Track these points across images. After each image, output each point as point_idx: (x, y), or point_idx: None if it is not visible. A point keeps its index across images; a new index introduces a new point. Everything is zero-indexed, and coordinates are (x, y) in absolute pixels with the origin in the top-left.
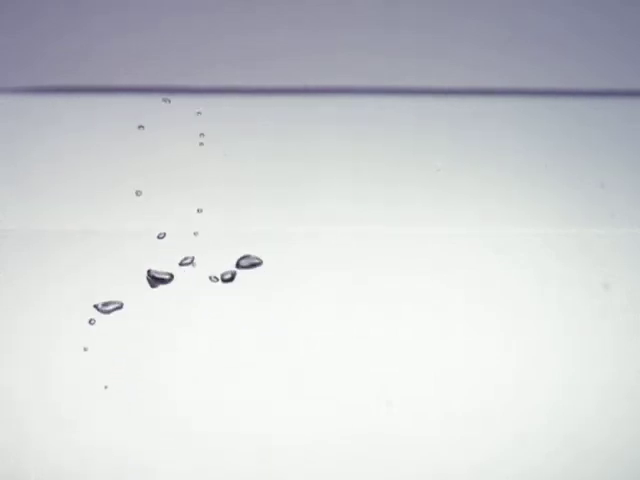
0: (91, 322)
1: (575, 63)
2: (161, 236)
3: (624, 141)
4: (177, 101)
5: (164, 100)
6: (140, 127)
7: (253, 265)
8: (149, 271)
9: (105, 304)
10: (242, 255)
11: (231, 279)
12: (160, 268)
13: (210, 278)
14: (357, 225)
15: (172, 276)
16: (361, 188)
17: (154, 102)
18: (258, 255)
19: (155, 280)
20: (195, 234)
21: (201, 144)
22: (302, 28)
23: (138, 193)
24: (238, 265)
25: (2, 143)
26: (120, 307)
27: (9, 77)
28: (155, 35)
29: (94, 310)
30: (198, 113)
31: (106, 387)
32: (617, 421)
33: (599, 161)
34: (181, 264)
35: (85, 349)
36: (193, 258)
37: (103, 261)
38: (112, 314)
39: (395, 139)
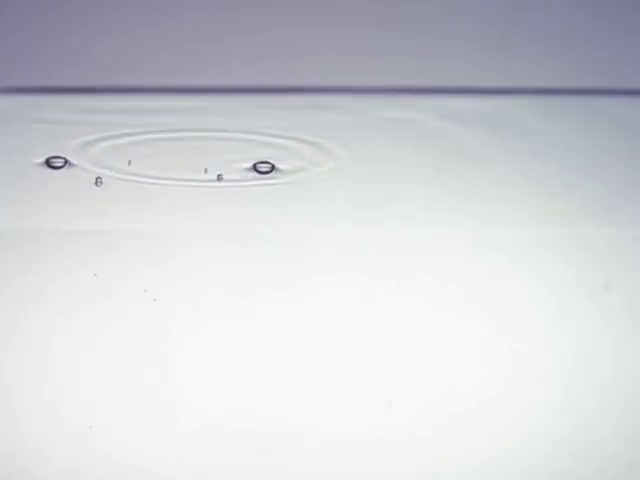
0: (91, 322)
1: (575, 63)
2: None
3: (625, 141)
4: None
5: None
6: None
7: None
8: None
9: None
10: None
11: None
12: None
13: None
14: (356, 225)
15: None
16: (360, 188)
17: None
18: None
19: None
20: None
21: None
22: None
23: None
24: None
25: (2, 143)
26: None
27: (9, 77)
28: (155, 35)
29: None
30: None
31: (106, 387)
32: (617, 421)
33: (599, 161)
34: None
35: (85, 350)
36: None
37: (103, 261)
38: (113, 314)
39: (395, 139)
